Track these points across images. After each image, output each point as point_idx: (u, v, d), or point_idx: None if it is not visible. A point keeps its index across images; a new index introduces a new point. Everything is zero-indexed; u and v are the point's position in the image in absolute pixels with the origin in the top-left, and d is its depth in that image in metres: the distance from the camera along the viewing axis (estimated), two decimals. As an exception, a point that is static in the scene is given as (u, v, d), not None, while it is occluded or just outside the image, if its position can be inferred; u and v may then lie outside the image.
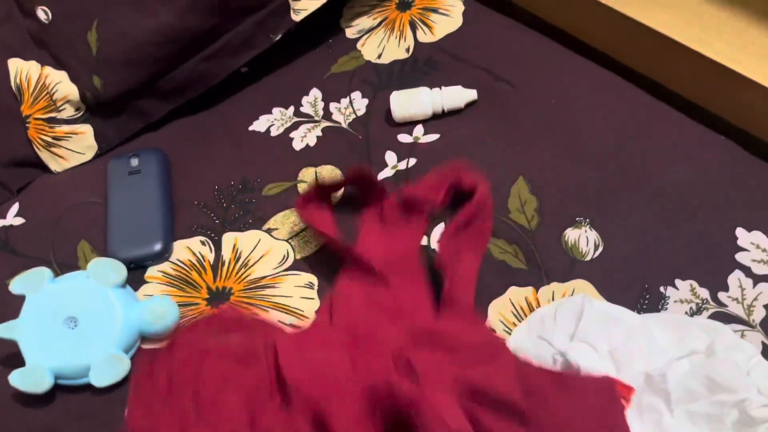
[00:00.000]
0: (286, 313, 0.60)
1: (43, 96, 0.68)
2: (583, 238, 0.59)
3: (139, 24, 0.66)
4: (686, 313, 0.55)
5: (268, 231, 0.65)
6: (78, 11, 0.67)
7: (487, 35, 0.74)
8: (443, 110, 0.69)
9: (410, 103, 0.69)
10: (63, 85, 0.68)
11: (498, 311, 0.57)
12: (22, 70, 0.69)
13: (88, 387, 0.56)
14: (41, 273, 0.57)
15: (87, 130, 0.70)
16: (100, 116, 0.70)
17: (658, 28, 0.66)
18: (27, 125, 0.69)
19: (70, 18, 0.67)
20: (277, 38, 0.72)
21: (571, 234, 0.60)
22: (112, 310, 0.56)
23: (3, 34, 0.72)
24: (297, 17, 0.72)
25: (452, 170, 0.61)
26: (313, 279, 0.61)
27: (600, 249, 0.59)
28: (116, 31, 0.66)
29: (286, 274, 0.62)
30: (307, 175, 0.68)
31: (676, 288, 0.56)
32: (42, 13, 0.68)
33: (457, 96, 0.69)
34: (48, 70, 0.69)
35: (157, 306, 0.57)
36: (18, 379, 0.54)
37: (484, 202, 0.58)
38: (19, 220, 0.67)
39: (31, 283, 0.57)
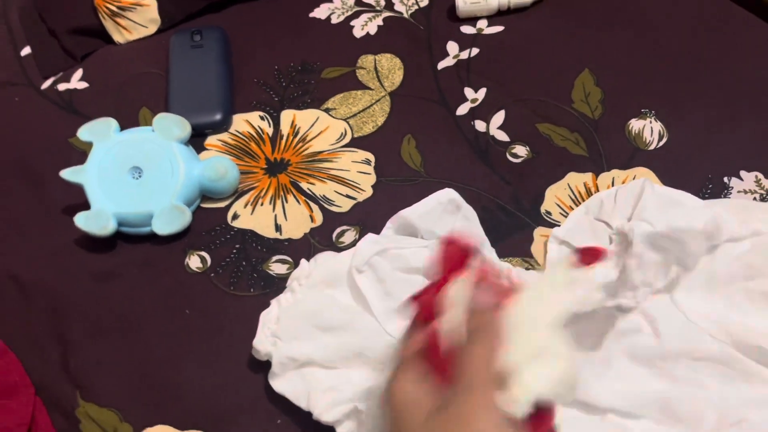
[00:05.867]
0: (343, 184, 0.60)
1: (110, -35, 0.69)
2: (648, 128, 0.59)
3: None
4: (749, 202, 0.54)
5: (327, 110, 0.65)
6: None
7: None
8: (509, 6, 0.68)
9: (476, -5, 0.68)
10: (131, -46, 0.68)
11: (555, 195, 0.57)
12: (91, -62, 0.69)
13: (149, 238, 0.58)
14: (108, 123, 0.58)
15: (151, 2, 0.70)
16: (165, -10, 0.70)
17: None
18: (93, -7, 0.70)
19: None
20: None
21: (635, 124, 0.59)
22: (175, 163, 0.57)
23: None
24: None
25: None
26: (370, 156, 0.62)
27: (664, 139, 0.58)
28: None
29: (344, 150, 0.62)
30: (367, 62, 0.68)
31: (741, 179, 0.55)
32: None
33: (524, -9, 0.68)
34: (117, -61, 0.69)
35: (219, 164, 0.57)
36: (83, 221, 0.55)
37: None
38: (83, 85, 0.68)
39: (99, 131, 0.58)
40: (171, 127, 0.58)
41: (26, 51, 0.72)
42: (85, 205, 0.58)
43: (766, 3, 0.65)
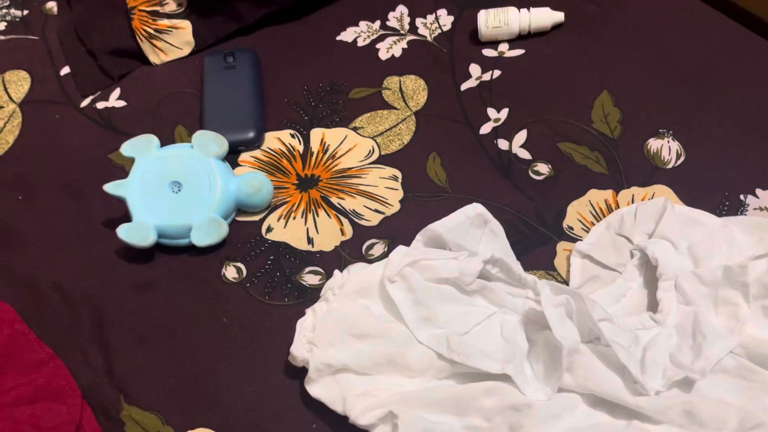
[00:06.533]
0: (372, 199, 0.63)
1: (148, -10, 0.72)
2: (666, 148, 0.61)
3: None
4: (765, 218, 0.56)
5: (354, 129, 0.68)
6: None
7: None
8: (529, 31, 0.71)
9: (497, 21, 0.71)
10: (168, -21, 0.72)
11: (576, 211, 0.60)
12: (130, -36, 0.73)
13: (186, 249, 0.60)
14: (150, 139, 0.61)
15: (186, 26, 0.73)
16: (199, 14, 0.73)
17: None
18: (131, 16, 0.73)
19: None
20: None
21: (653, 143, 0.62)
22: (213, 178, 0.59)
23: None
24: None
25: None
26: (397, 173, 0.64)
27: (682, 158, 0.61)
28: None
29: (372, 167, 0.65)
30: (392, 83, 0.71)
31: (757, 197, 0.58)
32: None
33: (544, 16, 0.71)
34: (154, -35, 0.73)
35: (254, 179, 0.60)
36: (125, 233, 0.58)
37: None
38: (121, 103, 0.71)
39: (141, 147, 0.61)
40: (209, 143, 0.61)
41: (65, 71, 0.75)
42: (124, 218, 0.61)
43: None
